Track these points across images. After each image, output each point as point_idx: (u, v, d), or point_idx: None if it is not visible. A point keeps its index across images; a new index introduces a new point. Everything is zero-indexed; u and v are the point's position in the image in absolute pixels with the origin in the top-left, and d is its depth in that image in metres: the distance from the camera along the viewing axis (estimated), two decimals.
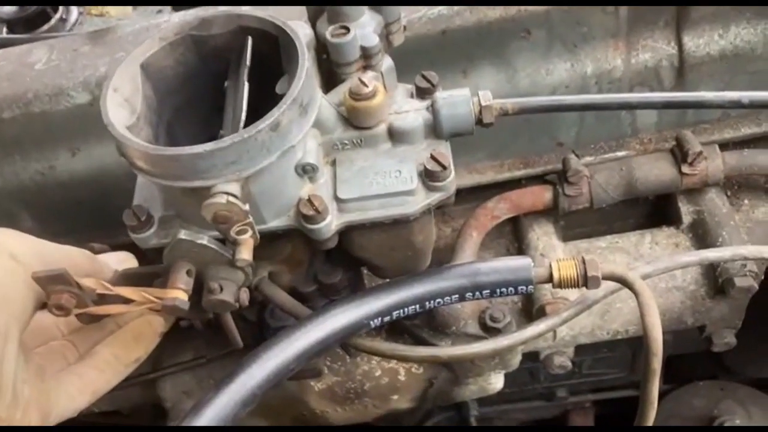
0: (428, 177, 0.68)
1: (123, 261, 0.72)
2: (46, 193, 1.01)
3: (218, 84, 0.71)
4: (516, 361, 0.98)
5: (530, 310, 0.96)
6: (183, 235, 0.62)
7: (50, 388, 0.65)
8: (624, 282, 0.71)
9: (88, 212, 1.01)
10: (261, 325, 0.89)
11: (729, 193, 1.02)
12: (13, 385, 0.58)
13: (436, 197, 0.68)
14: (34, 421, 0.61)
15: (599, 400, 1.52)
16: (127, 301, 0.63)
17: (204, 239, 0.63)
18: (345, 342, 0.74)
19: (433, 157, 0.68)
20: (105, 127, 0.62)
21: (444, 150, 0.70)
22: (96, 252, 0.71)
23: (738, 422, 1.29)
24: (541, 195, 0.99)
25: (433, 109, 0.70)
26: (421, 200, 0.68)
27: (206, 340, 0.99)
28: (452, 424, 1.50)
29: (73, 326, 0.72)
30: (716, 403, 1.35)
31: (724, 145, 0.99)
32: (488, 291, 0.71)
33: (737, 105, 0.67)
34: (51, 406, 0.64)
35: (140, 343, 0.73)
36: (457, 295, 0.72)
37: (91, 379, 0.69)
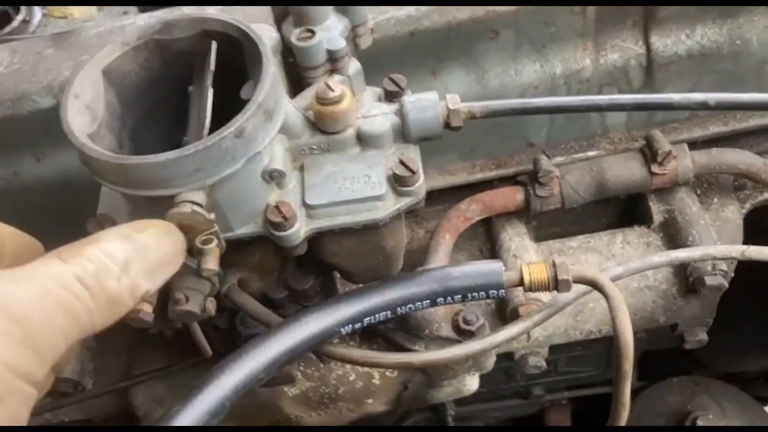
0: (397, 182, 0.67)
1: None
2: (10, 199, 0.98)
3: (183, 89, 0.69)
4: (490, 362, 0.98)
5: (504, 311, 0.96)
6: None
7: None
8: (594, 285, 0.71)
9: (53, 219, 0.99)
10: (232, 333, 0.88)
11: (698, 192, 1.03)
12: None
13: (405, 202, 0.68)
14: None
15: (576, 397, 1.53)
16: None
17: None
18: (316, 350, 0.73)
19: (402, 162, 0.67)
20: None
21: (413, 154, 0.69)
22: None
23: (711, 417, 1.30)
24: (513, 196, 0.99)
25: (401, 114, 0.69)
26: (390, 205, 0.67)
27: (177, 347, 0.97)
28: (429, 424, 1.50)
29: None
30: (690, 398, 1.36)
31: (693, 144, 1.00)
32: (460, 296, 0.71)
33: (704, 107, 0.68)
34: None
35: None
36: (428, 301, 0.71)
37: None
